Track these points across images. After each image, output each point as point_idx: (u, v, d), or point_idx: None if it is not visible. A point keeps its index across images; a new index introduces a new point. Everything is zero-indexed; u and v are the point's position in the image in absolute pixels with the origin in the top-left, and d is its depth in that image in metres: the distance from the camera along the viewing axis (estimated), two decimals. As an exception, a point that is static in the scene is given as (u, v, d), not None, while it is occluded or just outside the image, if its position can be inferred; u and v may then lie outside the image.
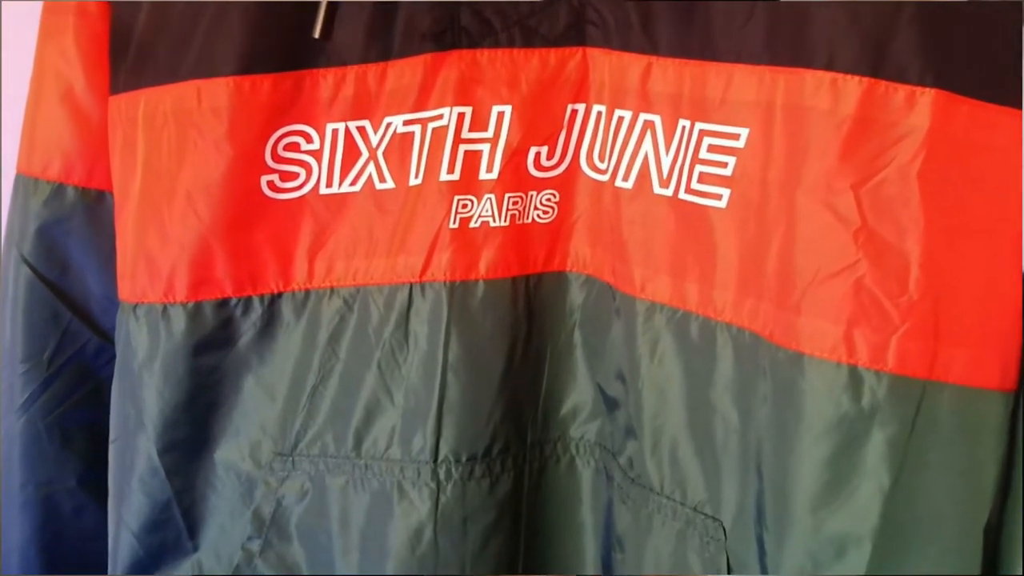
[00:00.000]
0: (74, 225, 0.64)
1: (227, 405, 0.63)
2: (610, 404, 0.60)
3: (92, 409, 0.68)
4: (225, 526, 0.64)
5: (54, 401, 0.67)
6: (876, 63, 0.46)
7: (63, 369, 0.66)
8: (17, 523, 0.68)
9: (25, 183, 0.64)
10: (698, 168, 0.53)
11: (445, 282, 0.58)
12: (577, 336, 0.61)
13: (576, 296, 0.61)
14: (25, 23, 0.77)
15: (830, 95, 0.47)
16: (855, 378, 0.48)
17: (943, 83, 0.46)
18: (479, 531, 0.60)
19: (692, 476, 0.56)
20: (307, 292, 0.61)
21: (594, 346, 0.61)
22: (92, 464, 0.69)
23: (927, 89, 0.46)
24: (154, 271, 0.60)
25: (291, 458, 0.62)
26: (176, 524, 0.65)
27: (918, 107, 0.46)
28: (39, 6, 0.66)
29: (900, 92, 0.46)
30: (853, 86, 0.47)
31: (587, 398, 0.62)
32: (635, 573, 0.59)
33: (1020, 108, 0.47)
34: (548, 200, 0.59)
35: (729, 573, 0.55)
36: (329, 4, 0.54)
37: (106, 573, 0.68)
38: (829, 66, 0.47)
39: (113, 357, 0.65)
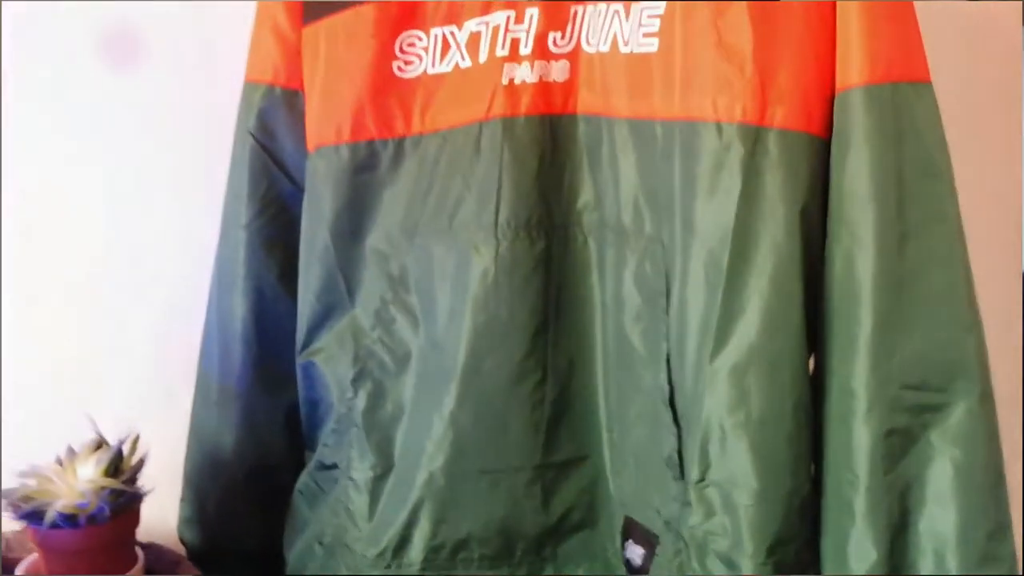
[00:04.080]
0: (279, 111, 1.05)
1: (372, 209, 1.02)
2: (602, 194, 0.98)
3: (287, 230, 1.07)
4: (369, 288, 1.03)
5: (264, 221, 1.07)
6: None
7: (270, 202, 1.07)
8: (240, 303, 1.08)
9: (250, 86, 1.06)
10: (640, 30, 0.92)
11: (500, 117, 0.97)
12: (584, 157, 0.99)
13: (583, 130, 0.99)
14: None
15: None
16: (719, 128, 0.86)
17: None
18: (523, 273, 0.97)
19: (646, 218, 0.94)
20: (420, 135, 1.00)
21: (593, 163, 0.99)
22: (286, 270, 1.08)
23: None
24: (330, 124, 1.01)
25: (412, 240, 1.01)
26: (340, 289, 1.04)
27: None
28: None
29: None
30: None
31: (591, 197, 1.00)
32: (616, 288, 0.96)
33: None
34: (562, 67, 0.98)
35: (667, 274, 0.92)
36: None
37: (293, 336, 1.08)
38: None
39: (299, 197, 1.06)
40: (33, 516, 0.95)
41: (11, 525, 0.99)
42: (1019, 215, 0.85)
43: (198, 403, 1.12)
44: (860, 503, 0.87)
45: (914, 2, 0.87)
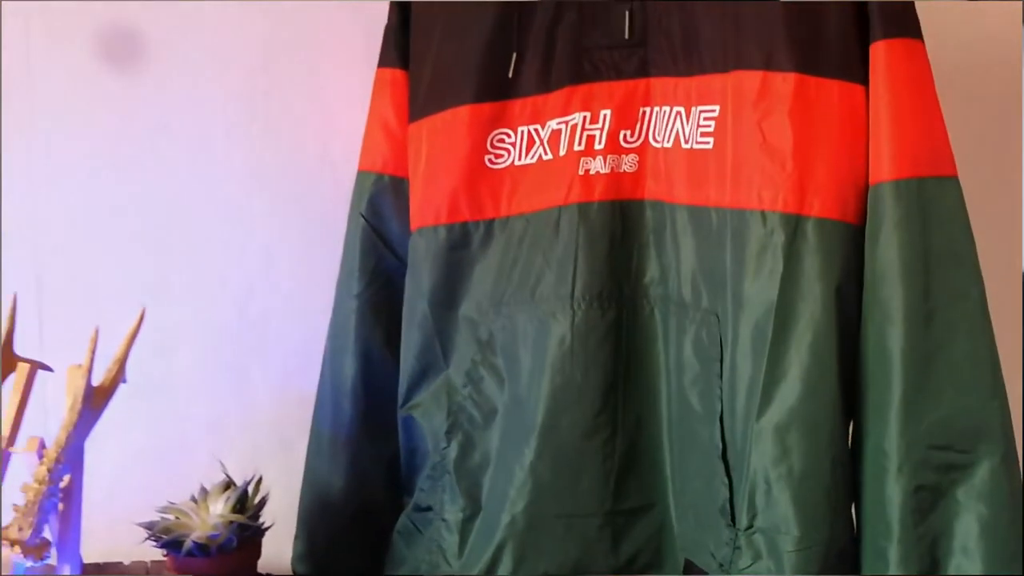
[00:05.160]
0: (387, 196, 1.21)
1: (464, 282, 1.16)
2: (666, 271, 1.11)
3: (392, 300, 1.22)
4: (461, 351, 1.17)
5: (372, 293, 1.22)
6: (767, 63, 0.99)
7: (377, 276, 1.22)
8: (350, 363, 1.23)
9: (363, 174, 1.22)
10: (699, 130, 1.06)
11: (577, 203, 1.11)
12: (650, 238, 1.12)
13: (649, 215, 1.12)
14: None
15: (750, 81, 1.00)
16: (763, 216, 0.98)
17: (800, 70, 0.98)
18: (596, 340, 1.10)
19: (703, 293, 1.06)
20: (507, 218, 1.15)
21: (658, 244, 1.12)
22: (390, 335, 1.23)
23: (790, 74, 0.98)
24: (429, 208, 1.16)
25: (499, 309, 1.15)
26: (436, 352, 1.18)
27: (787, 83, 0.98)
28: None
29: (779, 76, 0.98)
30: (758, 76, 0.99)
31: (657, 274, 1.13)
32: (677, 354, 1.08)
33: (844, 80, 0.98)
34: (632, 160, 1.12)
35: (721, 342, 1.04)
36: (516, 58, 1.11)
37: (395, 393, 1.22)
38: (748, 67, 1.00)
39: (403, 271, 1.21)
40: (172, 545, 1.10)
41: (153, 554, 1.15)
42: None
43: (312, 451, 1.27)
44: (893, 552, 0.97)
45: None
